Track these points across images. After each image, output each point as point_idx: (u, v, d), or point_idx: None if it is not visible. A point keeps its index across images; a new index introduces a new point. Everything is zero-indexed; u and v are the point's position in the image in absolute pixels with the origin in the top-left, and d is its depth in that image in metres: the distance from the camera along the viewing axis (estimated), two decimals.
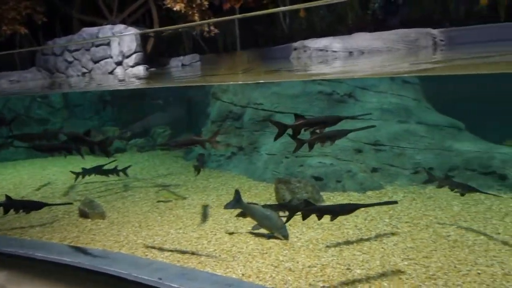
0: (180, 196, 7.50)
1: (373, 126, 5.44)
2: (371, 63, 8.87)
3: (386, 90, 8.75)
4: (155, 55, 13.63)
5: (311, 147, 4.67)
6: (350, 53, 9.88)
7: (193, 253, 5.22)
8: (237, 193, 5.77)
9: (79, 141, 5.82)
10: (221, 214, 6.61)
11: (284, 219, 5.49)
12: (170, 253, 5.28)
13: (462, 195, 5.63)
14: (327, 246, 5.20)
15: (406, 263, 4.64)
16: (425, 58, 8.34)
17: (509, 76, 8.17)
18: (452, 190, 5.56)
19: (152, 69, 12.80)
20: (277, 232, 5.43)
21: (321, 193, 7.04)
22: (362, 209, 6.47)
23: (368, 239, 5.35)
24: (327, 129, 4.58)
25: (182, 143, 6.07)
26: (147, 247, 5.50)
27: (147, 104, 12.59)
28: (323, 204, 6.77)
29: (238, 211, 5.90)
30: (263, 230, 5.63)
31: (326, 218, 6.13)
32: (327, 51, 10.14)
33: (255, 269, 4.70)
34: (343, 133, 4.70)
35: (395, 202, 4.65)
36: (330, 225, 5.89)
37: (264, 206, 6.19)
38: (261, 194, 7.53)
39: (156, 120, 12.44)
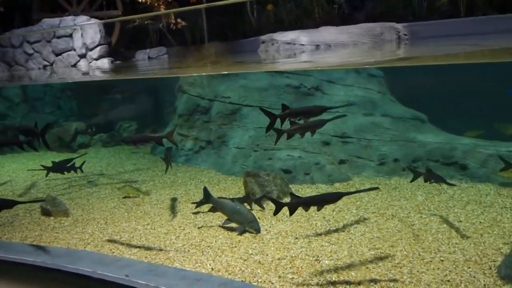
0: (144, 192, 7.35)
1: (345, 115, 5.50)
2: (338, 57, 8.95)
3: (352, 84, 8.85)
4: (120, 48, 13.30)
5: (290, 137, 4.82)
6: (317, 46, 9.95)
7: (161, 249, 5.13)
8: (206, 190, 5.74)
9: (30, 134, 5.58)
10: (189, 208, 6.53)
11: (254, 212, 5.49)
12: (137, 249, 5.17)
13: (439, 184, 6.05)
14: (296, 238, 5.23)
15: (373, 252, 4.73)
16: (390, 51, 8.50)
17: (468, 67, 8.46)
18: (429, 182, 5.84)
19: (117, 62, 12.48)
20: (248, 226, 5.41)
21: (290, 186, 7.07)
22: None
23: (336, 230, 5.42)
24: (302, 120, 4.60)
25: (138, 140, 6.01)
26: (114, 244, 5.36)
27: (112, 98, 12.27)
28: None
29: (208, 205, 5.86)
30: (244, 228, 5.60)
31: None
32: (294, 44, 10.18)
33: (224, 263, 4.67)
34: (321, 123, 4.84)
35: (377, 188, 4.73)
36: (299, 217, 5.92)
37: (251, 199, 6.17)
38: (230, 188, 7.49)
39: (122, 114, 12.15)
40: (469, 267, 4.29)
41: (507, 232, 5.05)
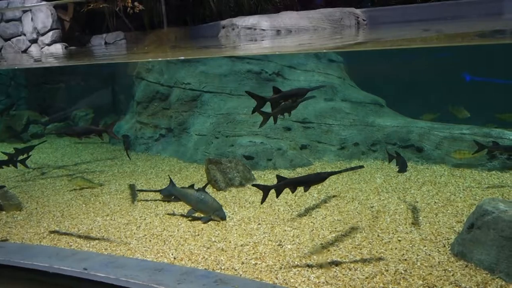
0: (96, 183, 7.13)
1: (324, 86, 5.67)
2: (298, 41, 8.98)
3: (313, 69, 8.92)
4: (74, 32, 12.74)
5: (276, 119, 4.99)
6: (278, 31, 9.93)
7: (121, 240, 5.03)
8: (170, 180, 5.68)
9: None
10: (150, 198, 6.42)
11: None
12: (96, 241, 5.05)
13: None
14: (259, 224, 5.26)
15: (334, 235, 4.83)
16: (349, 36, 8.60)
17: (424, 52, 8.71)
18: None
19: (72, 47, 11.97)
20: (214, 214, 5.39)
21: (252, 172, 7.08)
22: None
23: (298, 215, 5.49)
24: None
25: (79, 132, 5.90)
26: (71, 237, 5.20)
27: (67, 85, 11.80)
28: (254, 182, 6.83)
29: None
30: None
31: (258, 196, 6.23)
32: (255, 29, 10.10)
33: (187, 251, 4.64)
34: (297, 103, 4.88)
35: (362, 167, 4.81)
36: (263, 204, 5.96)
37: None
38: (192, 176, 7.43)
39: (77, 102, 11.73)
40: (425, 246, 4.46)
41: (460, 211, 5.29)
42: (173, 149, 8.78)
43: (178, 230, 5.21)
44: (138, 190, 6.69)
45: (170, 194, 5.80)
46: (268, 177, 7.09)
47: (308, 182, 4.30)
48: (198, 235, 5.05)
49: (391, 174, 6.85)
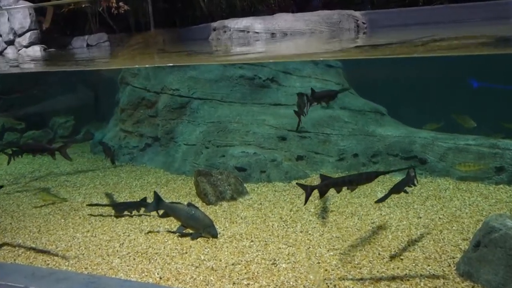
0: (62, 198, 7.07)
1: (348, 89, 6.68)
2: (294, 46, 9.05)
3: (309, 75, 8.98)
4: (54, 34, 12.72)
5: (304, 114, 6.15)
6: (273, 34, 10.00)
7: (103, 258, 5.00)
8: (156, 195, 5.64)
9: None
10: (134, 212, 6.39)
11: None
12: (76, 260, 5.01)
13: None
14: (252, 241, 5.25)
15: (332, 253, 4.83)
16: (348, 41, 8.68)
17: (428, 58, 8.80)
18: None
19: (51, 49, 11.95)
20: (205, 231, 5.38)
21: (245, 185, 7.09)
22: (288, 200, 6.64)
23: (294, 231, 5.49)
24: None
25: (33, 148, 5.95)
26: (49, 255, 5.16)
27: (46, 90, 11.76)
28: (246, 196, 6.84)
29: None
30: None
31: (250, 211, 6.23)
32: (248, 32, 10.17)
33: (174, 271, 4.62)
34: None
35: (411, 167, 4.78)
36: (255, 219, 5.96)
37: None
38: (180, 188, 7.42)
39: (57, 108, 11.68)
40: (429, 265, 4.48)
41: (466, 228, 5.32)
42: (159, 160, 8.76)
43: (164, 248, 5.19)
44: (90, 205, 6.64)
45: (156, 209, 5.76)
46: (262, 190, 7.10)
47: (355, 181, 4.21)
48: (186, 253, 5.03)
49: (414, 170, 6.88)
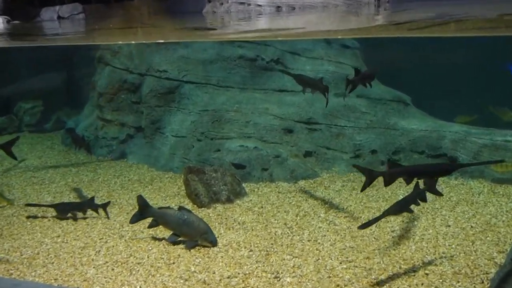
0: (8, 200, 7.04)
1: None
2: (304, 22, 9.03)
3: (321, 56, 8.97)
4: (20, 3, 12.69)
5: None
6: (278, 8, 9.98)
7: (76, 268, 5.01)
8: (141, 199, 5.59)
9: None
10: (113, 215, 6.41)
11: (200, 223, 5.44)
12: (44, 269, 5.03)
13: None
14: (251, 251, 5.27)
15: (344, 266, 4.85)
16: (367, 16, 8.67)
17: (460, 38, 8.77)
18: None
19: (16, 22, 11.93)
20: (202, 238, 5.38)
21: (244, 185, 7.10)
22: (294, 203, 6.65)
23: (300, 240, 5.50)
24: None
25: None
26: (11, 264, 5.18)
27: (9, 70, 11.74)
28: (245, 197, 6.85)
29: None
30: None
31: (249, 215, 6.24)
32: (249, 4, 10.15)
33: (159, 284, 4.63)
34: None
35: (502, 161, 4.70)
36: (254, 224, 5.97)
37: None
38: (167, 188, 7.43)
39: (22, 92, 11.67)
40: (459, 281, 4.50)
41: (502, 238, 5.34)
42: (143, 154, 8.77)
43: (148, 257, 5.20)
44: (28, 205, 6.67)
45: (144, 217, 5.71)
46: (263, 191, 7.11)
47: (430, 173, 4.07)
48: (174, 263, 5.04)
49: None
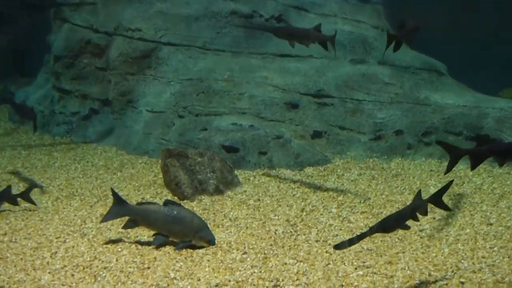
0: None
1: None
2: None
3: (334, 13, 8.93)
4: None
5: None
6: None
7: (27, 274, 5.02)
8: (115, 194, 5.55)
9: None
10: (73, 208, 6.41)
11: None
12: None
13: None
14: (245, 253, 5.27)
15: (361, 272, 4.86)
16: None
17: None
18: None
19: None
20: (197, 237, 5.37)
21: (236, 172, 7.10)
22: (299, 195, 6.66)
23: (306, 240, 5.51)
24: None
25: None
26: None
27: None
28: (238, 188, 6.86)
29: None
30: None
31: (244, 210, 6.25)
32: None
33: None
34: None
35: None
36: (250, 221, 5.98)
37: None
38: (140, 176, 7.44)
39: None
40: None
41: None
42: (111, 133, 8.77)
43: (117, 260, 5.20)
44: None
45: (120, 216, 5.69)
46: (261, 180, 7.12)
47: None
48: (149, 267, 5.04)
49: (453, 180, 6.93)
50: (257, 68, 8.42)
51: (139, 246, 5.48)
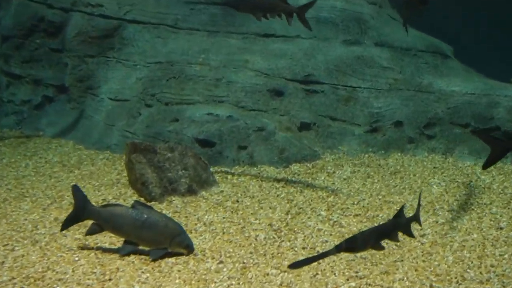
0: None
1: None
2: None
3: None
4: None
5: None
6: None
7: None
8: (77, 193, 5.49)
9: None
10: (23, 212, 6.37)
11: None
12: None
13: None
14: (220, 262, 5.27)
15: (353, 284, 4.87)
16: None
17: None
18: None
19: None
20: (174, 243, 5.34)
21: (212, 169, 7.09)
22: (283, 195, 6.66)
23: (291, 247, 5.51)
24: None
25: None
26: None
27: None
28: (214, 187, 6.85)
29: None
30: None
31: (220, 213, 6.24)
32: None
33: None
34: None
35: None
36: (227, 225, 5.97)
37: None
38: (101, 174, 7.41)
39: None
40: None
41: None
42: (67, 125, 8.72)
43: (73, 271, 5.17)
44: None
45: (81, 220, 5.64)
46: (240, 179, 7.11)
47: None
48: (111, 279, 5.02)
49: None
50: (236, 50, 8.40)
51: (100, 255, 5.45)
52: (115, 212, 5.47)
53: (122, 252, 5.43)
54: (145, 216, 5.38)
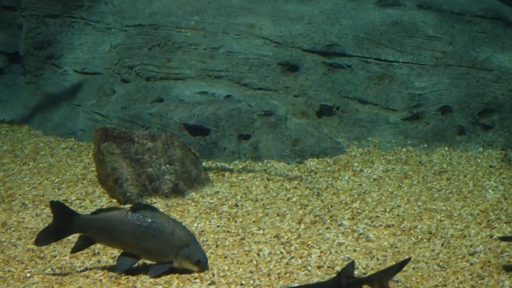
0: None
1: None
2: None
3: None
4: None
5: None
6: None
7: None
8: (56, 203, 5.50)
9: None
10: None
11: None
12: None
13: None
14: (212, 283, 5.30)
15: None
16: None
17: None
18: None
19: None
20: (181, 257, 5.32)
21: (205, 164, 7.12)
22: (295, 199, 6.68)
23: (304, 265, 5.54)
24: None
25: None
26: None
27: None
28: (206, 187, 6.89)
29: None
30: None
31: (214, 220, 6.28)
32: None
33: None
34: None
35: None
36: (222, 236, 6.00)
37: None
38: (63, 167, 7.47)
39: None
40: None
41: None
42: (21, 104, 8.77)
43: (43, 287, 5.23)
44: None
45: (66, 234, 5.64)
46: (241, 177, 7.14)
47: None
48: None
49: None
50: (239, 11, 8.41)
51: (58, 270, 5.49)
52: (112, 218, 5.43)
53: (121, 268, 5.41)
54: (149, 220, 5.37)
